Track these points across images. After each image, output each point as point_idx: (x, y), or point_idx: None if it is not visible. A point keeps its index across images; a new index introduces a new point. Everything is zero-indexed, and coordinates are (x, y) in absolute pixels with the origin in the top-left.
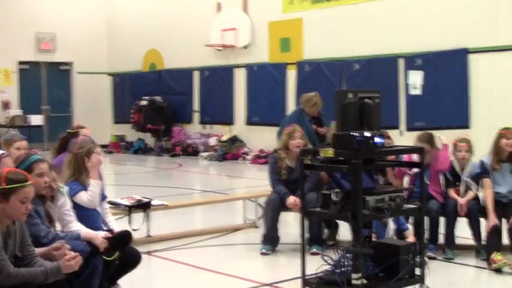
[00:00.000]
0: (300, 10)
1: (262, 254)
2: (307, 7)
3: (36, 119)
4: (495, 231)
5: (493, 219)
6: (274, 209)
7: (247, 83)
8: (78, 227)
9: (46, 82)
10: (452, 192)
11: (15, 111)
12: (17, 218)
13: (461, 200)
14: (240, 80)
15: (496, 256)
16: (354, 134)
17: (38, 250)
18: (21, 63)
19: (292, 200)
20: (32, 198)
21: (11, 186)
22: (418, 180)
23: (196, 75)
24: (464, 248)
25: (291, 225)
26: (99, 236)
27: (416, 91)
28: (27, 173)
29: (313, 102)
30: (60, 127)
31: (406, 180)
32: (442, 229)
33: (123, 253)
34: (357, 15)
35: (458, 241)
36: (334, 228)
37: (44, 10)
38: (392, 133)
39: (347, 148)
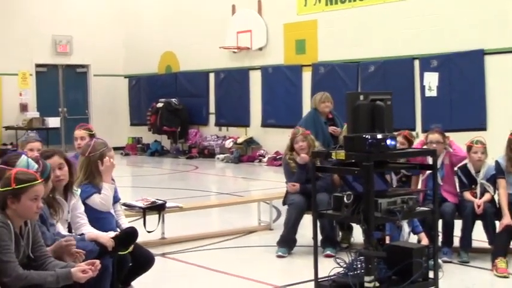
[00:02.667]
0: (315, 12)
1: (278, 256)
2: (322, 9)
3: (54, 121)
4: (506, 232)
5: (507, 219)
6: (298, 211)
7: (263, 85)
8: (89, 230)
9: (63, 85)
10: (468, 195)
11: (33, 113)
12: (30, 217)
13: (479, 201)
14: (255, 82)
15: (501, 263)
16: (365, 136)
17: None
18: (38, 66)
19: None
20: (41, 195)
21: (21, 186)
22: (431, 182)
23: (211, 78)
24: (480, 251)
25: (305, 227)
26: (104, 235)
27: (432, 93)
28: (48, 179)
29: (320, 96)
30: None
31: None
32: (456, 232)
33: (131, 249)
34: (372, 16)
35: (473, 244)
36: (348, 230)
37: (61, 13)
38: None
39: (358, 150)
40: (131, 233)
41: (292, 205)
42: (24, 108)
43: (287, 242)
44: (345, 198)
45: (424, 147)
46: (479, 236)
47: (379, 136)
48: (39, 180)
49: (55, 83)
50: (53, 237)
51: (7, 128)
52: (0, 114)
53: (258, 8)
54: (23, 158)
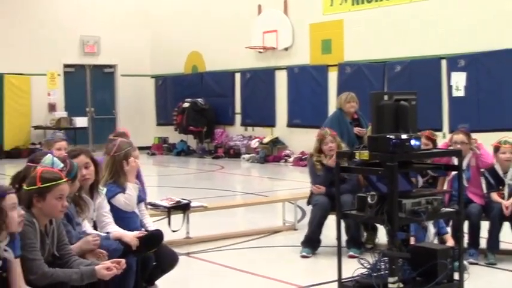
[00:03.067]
0: (341, 11)
1: (302, 257)
2: (348, 8)
3: (81, 121)
4: None
5: None
6: (323, 211)
7: (289, 85)
8: (114, 229)
9: (90, 85)
10: (495, 196)
11: (61, 113)
12: (55, 216)
13: (507, 202)
14: (281, 82)
15: None
16: (389, 136)
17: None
18: (66, 66)
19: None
20: (67, 194)
21: (46, 184)
22: (456, 183)
23: (237, 77)
24: (507, 253)
25: (329, 227)
26: (129, 234)
27: (459, 93)
28: (75, 178)
29: (345, 96)
30: (104, 129)
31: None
32: (483, 233)
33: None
34: (398, 16)
35: (501, 246)
36: (373, 231)
37: (89, 14)
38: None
39: (382, 151)
40: (157, 235)
41: (317, 205)
42: (52, 108)
43: (311, 242)
44: (368, 199)
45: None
46: (507, 238)
47: (404, 136)
48: (64, 179)
49: (83, 83)
50: (78, 235)
51: (36, 127)
52: (30, 114)
53: (284, 8)
54: (48, 156)
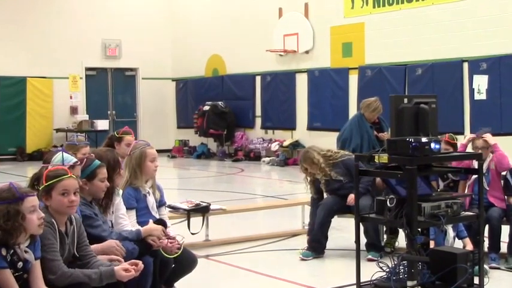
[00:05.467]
0: (362, 14)
1: (301, 259)
2: (369, 11)
3: (102, 124)
4: None
5: None
6: (326, 211)
7: (309, 88)
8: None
9: (112, 88)
10: None
11: (82, 116)
12: (64, 211)
13: None
14: (301, 85)
15: None
16: (409, 139)
17: (93, 247)
18: (88, 69)
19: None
20: (73, 190)
21: (50, 182)
22: (477, 186)
23: (258, 81)
24: None
25: (349, 230)
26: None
27: (481, 96)
28: (91, 178)
29: (373, 107)
30: None
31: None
32: (504, 237)
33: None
34: (420, 18)
35: None
36: (392, 234)
37: (110, 17)
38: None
39: (401, 154)
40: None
41: (321, 205)
42: (74, 111)
43: (312, 245)
44: (388, 202)
45: (467, 150)
46: None
47: (424, 140)
48: (68, 175)
49: (104, 86)
50: (109, 229)
51: (58, 130)
52: (52, 117)
53: (305, 11)
54: (59, 154)
